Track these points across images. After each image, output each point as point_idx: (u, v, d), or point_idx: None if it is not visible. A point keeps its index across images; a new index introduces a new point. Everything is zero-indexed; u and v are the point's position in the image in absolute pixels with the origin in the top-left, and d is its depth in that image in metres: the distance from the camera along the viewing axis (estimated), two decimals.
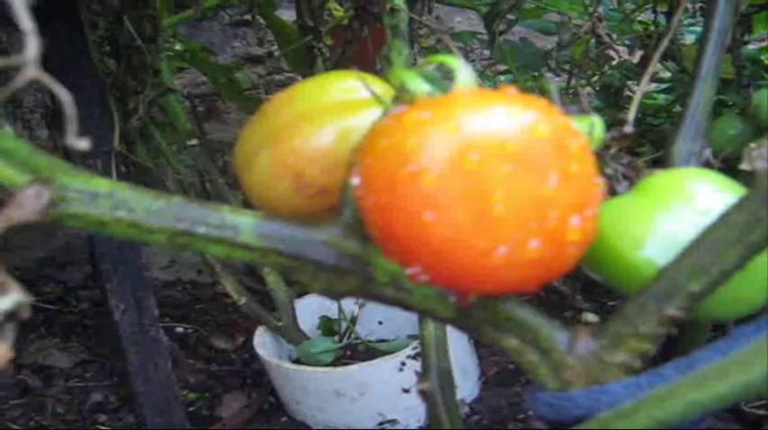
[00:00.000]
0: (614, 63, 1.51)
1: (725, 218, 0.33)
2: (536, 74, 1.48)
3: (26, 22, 0.25)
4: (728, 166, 0.45)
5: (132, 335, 1.30)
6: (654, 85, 1.65)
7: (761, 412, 1.30)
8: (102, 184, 0.35)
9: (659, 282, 0.35)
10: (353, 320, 1.57)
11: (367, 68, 0.42)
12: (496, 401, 1.46)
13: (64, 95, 0.25)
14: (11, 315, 0.31)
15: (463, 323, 0.37)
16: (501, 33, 1.31)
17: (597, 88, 1.59)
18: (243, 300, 1.48)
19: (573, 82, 1.42)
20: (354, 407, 1.40)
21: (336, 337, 1.57)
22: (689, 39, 1.50)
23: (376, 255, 0.36)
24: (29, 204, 0.34)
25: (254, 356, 1.52)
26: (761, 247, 0.33)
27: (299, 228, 0.36)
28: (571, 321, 0.38)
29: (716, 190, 0.40)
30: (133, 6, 1.30)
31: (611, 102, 1.53)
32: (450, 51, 1.10)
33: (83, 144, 0.26)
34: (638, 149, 1.51)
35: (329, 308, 1.58)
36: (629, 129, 0.41)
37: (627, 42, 1.42)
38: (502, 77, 1.74)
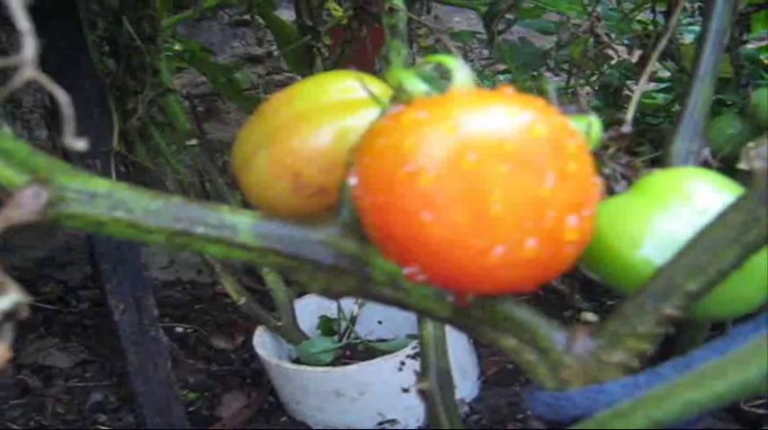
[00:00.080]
0: (613, 62, 1.51)
1: (722, 217, 0.34)
2: (535, 73, 1.48)
3: (23, 22, 0.25)
4: (727, 166, 0.45)
5: (132, 335, 1.30)
6: (653, 85, 1.65)
7: (760, 411, 1.30)
8: (100, 184, 0.35)
9: (657, 281, 0.35)
10: (353, 320, 1.57)
11: (366, 68, 0.42)
12: (496, 401, 1.46)
13: (61, 96, 0.25)
14: (9, 315, 0.31)
15: (461, 323, 0.37)
16: (500, 33, 1.30)
17: (596, 88, 1.59)
18: (242, 300, 1.48)
19: (572, 81, 1.42)
20: (354, 407, 1.40)
21: (336, 337, 1.57)
22: (688, 38, 1.50)
23: (374, 255, 0.36)
24: (27, 204, 0.34)
25: (254, 356, 1.52)
26: (758, 247, 0.33)
27: (296, 227, 0.36)
28: (570, 321, 0.38)
29: (714, 189, 0.40)
30: (132, 6, 1.30)
31: (609, 101, 1.53)
32: (448, 51, 1.10)
33: (80, 144, 0.26)
34: (637, 149, 1.51)
35: (329, 307, 1.58)
36: (626, 128, 0.41)
37: (626, 42, 1.42)
38: (501, 77, 1.74)
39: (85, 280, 1.95)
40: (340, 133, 0.39)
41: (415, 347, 1.35)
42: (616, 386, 0.35)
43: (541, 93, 0.38)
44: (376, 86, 0.40)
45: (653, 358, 0.37)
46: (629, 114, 0.61)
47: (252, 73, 2.76)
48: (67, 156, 1.20)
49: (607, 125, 0.43)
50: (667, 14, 1.18)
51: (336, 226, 0.36)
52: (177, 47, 1.73)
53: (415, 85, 0.33)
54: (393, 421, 1.41)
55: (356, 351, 1.55)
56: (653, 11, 1.33)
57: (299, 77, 1.61)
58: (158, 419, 1.35)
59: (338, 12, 1.64)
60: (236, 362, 1.69)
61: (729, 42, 1.11)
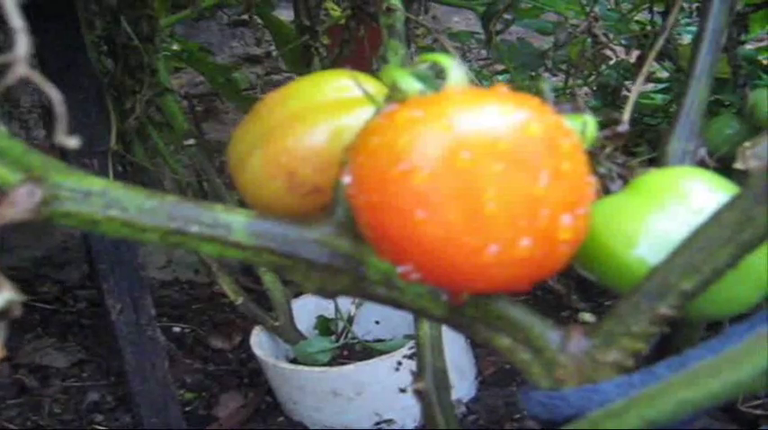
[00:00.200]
0: (611, 63, 1.51)
1: (717, 216, 0.33)
2: (533, 74, 1.48)
3: (16, 20, 0.24)
4: (725, 166, 0.45)
5: (129, 335, 1.30)
6: (651, 85, 1.65)
7: (758, 412, 1.30)
8: (94, 183, 0.35)
9: (651, 280, 0.35)
10: (350, 320, 1.57)
11: (364, 68, 0.42)
12: (493, 401, 1.46)
13: (54, 94, 0.25)
14: (2, 313, 0.31)
15: (456, 322, 0.37)
16: (498, 33, 1.30)
17: (594, 88, 1.59)
18: (239, 300, 1.48)
19: (570, 82, 1.42)
20: (351, 407, 1.40)
21: (333, 337, 1.57)
22: (686, 38, 1.50)
23: (368, 254, 0.36)
24: (21, 203, 0.34)
25: (251, 356, 1.52)
26: (753, 246, 0.33)
27: (291, 226, 0.36)
28: (568, 321, 0.38)
29: (709, 189, 0.40)
30: (130, 6, 1.30)
31: (607, 101, 1.53)
32: (446, 51, 1.10)
33: (73, 143, 0.26)
34: (635, 149, 1.51)
35: (326, 307, 1.58)
36: (622, 128, 0.41)
37: (623, 42, 1.42)
38: (500, 77, 1.74)
39: (83, 279, 1.95)
40: (335, 132, 0.39)
41: (411, 347, 1.35)
42: (610, 385, 0.35)
43: (538, 92, 0.38)
44: (371, 85, 0.39)
45: (649, 357, 0.37)
46: (626, 114, 0.61)
47: (250, 73, 2.76)
48: (65, 155, 1.20)
49: (605, 125, 0.43)
50: (665, 15, 1.18)
51: (331, 225, 0.36)
52: (175, 47, 1.72)
53: (410, 83, 0.33)
54: (390, 421, 1.41)
55: (353, 351, 1.55)
56: (651, 11, 1.33)
57: (299, 77, 1.61)
58: (155, 419, 1.35)
59: (336, 12, 1.64)
60: (233, 362, 1.69)
61: (727, 42, 1.11)
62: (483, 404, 1.47)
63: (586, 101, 1.63)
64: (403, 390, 1.38)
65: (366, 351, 1.53)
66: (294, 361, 1.52)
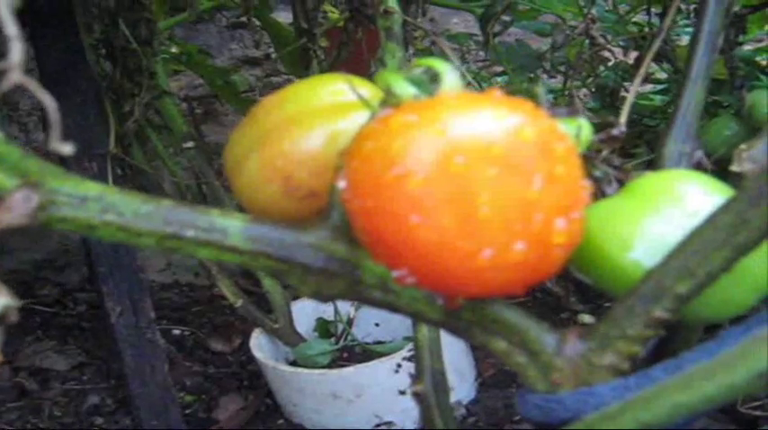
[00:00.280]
0: (610, 64, 1.51)
1: (712, 219, 0.34)
2: (531, 75, 1.48)
3: (11, 26, 0.25)
4: (723, 168, 0.45)
5: (129, 338, 1.31)
6: (650, 87, 1.65)
7: (757, 413, 1.30)
8: (91, 188, 0.35)
9: (646, 283, 0.35)
10: (350, 322, 1.57)
11: (362, 70, 0.43)
12: (493, 403, 1.46)
13: (48, 101, 0.25)
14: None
15: (451, 325, 0.37)
16: (496, 35, 1.31)
17: (593, 89, 1.59)
18: (239, 303, 1.48)
19: (568, 83, 1.42)
20: (351, 409, 1.40)
21: (333, 339, 1.57)
22: (685, 40, 1.50)
23: (364, 258, 0.36)
24: (17, 208, 0.34)
25: (251, 358, 1.52)
26: (748, 249, 0.33)
27: (287, 231, 0.36)
28: (567, 323, 0.38)
29: (705, 192, 0.40)
30: (128, 9, 1.30)
31: (606, 103, 1.53)
32: (444, 54, 1.10)
33: (67, 149, 0.26)
34: (634, 150, 1.52)
35: (325, 310, 1.58)
36: (616, 131, 0.41)
37: (621, 43, 1.42)
38: (498, 79, 1.74)
39: (83, 282, 1.95)
40: (331, 136, 0.39)
41: (411, 349, 1.35)
42: (606, 388, 0.35)
43: (533, 96, 0.38)
44: (367, 89, 0.40)
45: (646, 360, 0.37)
46: (623, 116, 0.61)
47: (250, 75, 2.76)
48: (64, 158, 1.20)
49: (603, 127, 0.43)
50: (663, 16, 1.18)
51: (326, 229, 0.36)
52: (174, 49, 1.73)
53: (404, 88, 0.33)
54: (390, 423, 1.41)
55: (353, 353, 1.55)
56: (648, 12, 1.34)
57: (297, 79, 1.61)
58: (155, 422, 1.35)
59: (334, 14, 1.64)
60: (233, 365, 1.69)
61: (724, 44, 1.11)
62: (483, 406, 1.47)
63: (585, 102, 1.64)
64: (403, 392, 1.38)
65: (366, 353, 1.53)
66: (294, 363, 1.52)
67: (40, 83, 1.13)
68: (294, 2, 1.40)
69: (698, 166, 0.52)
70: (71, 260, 2.02)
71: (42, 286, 1.95)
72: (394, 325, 1.56)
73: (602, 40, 1.14)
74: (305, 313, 1.56)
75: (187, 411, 1.54)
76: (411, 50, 1.29)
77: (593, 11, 1.16)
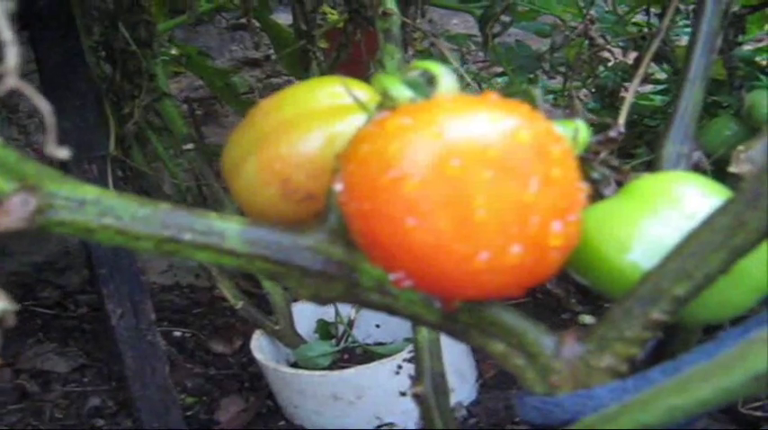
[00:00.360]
0: (609, 65, 1.51)
1: (709, 221, 0.33)
2: (531, 76, 1.48)
3: (5, 31, 0.25)
4: (722, 169, 0.45)
5: (129, 340, 1.31)
6: (650, 87, 1.65)
7: (758, 414, 1.30)
8: (89, 191, 0.35)
9: (644, 286, 0.35)
10: (350, 324, 1.57)
11: (361, 72, 0.42)
12: (494, 404, 1.46)
13: (44, 105, 0.25)
14: None
15: (449, 328, 0.37)
16: (495, 36, 1.31)
17: (593, 90, 1.59)
18: (240, 304, 1.48)
19: (568, 84, 1.42)
20: (351, 411, 1.40)
21: (333, 341, 1.57)
22: (684, 40, 1.50)
23: (361, 261, 0.36)
24: (15, 212, 0.34)
25: (252, 360, 1.52)
26: (745, 251, 0.33)
27: (285, 233, 0.36)
28: (569, 323, 0.38)
29: (703, 193, 0.40)
30: (128, 11, 1.30)
31: (606, 103, 1.53)
32: (443, 55, 1.10)
33: (63, 153, 0.26)
34: (634, 151, 1.51)
35: (326, 311, 1.58)
36: (614, 132, 0.41)
37: (621, 44, 1.42)
38: (499, 80, 1.74)
39: (84, 284, 1.95)
40: (328, 139, 0.39)
41: (412, 351, 1.35)
42: (604, 390, 0.35)
43: (531, 97, 0.38)
44: (365, 92, 0.40)
45: (646, 362, 0.37)
46: (622, 118, 0.61)
47: (250, 77, 2.76)
48: (64, 161, 1.20)
49: (603, 128, 0.43)
50: (662, 17, 1.18)
51: (324, 232, 0.36)
52: (174, 51, 1.73)
53: (400, 91, 0.33)
54: (391, 424, 1.41)
55: (354, 354, 1.55)
56: (648, 13, 1.33)
57: (297, 81, 1.61)
58: (156, 424, 1.35)
59: (334, 16, 1.64)
60: (234, 367, 1.68)
61: (723, 44, 1.11)
62: (483, 407, 1.47)
63: (585, 103, 1.63)
64: (403, 394, 1.38)
65: (367, 354, 1.53)
66: (295, 365, 1.52)
67: (40, 85, 1.13)
68: (293, 3, 1.40)
69: (696, 167, 0.52)
70: (72, 262, 2.02)
71: (43, 288, 1.95)
72: (394, 326, 1.56)
73: (601, 41, 1.14)
74: (305, 315, 1.56)
75: (188, 413, 1.54)
76: (410, 52, 1.29)
77: (593, 11, 1.16)
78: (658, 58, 1.26)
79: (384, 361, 1.39)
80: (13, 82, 0.25)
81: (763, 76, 1.35)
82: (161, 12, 1.59)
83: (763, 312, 0.36)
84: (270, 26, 1.70)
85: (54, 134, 0.26)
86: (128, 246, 0.36)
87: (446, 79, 0.33)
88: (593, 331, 0.36)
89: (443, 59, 1.11)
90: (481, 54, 1.74)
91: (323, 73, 1.40)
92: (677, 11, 1.10)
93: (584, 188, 0.33)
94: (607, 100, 1.52)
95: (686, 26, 1.50)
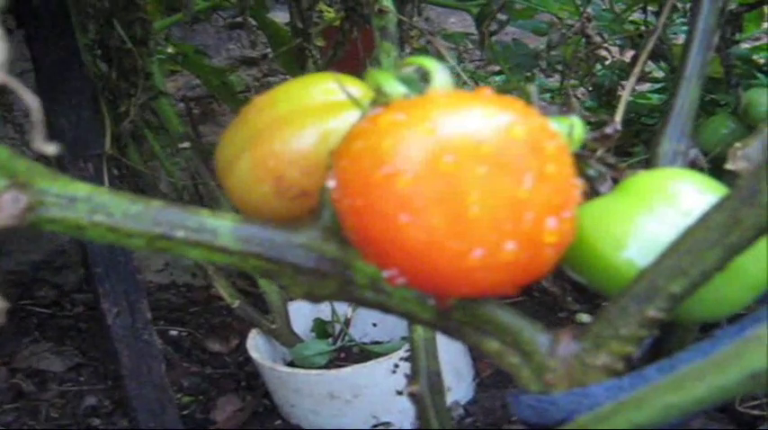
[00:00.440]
0: (607, 63, 1.51)
1: (705, 219, 0.33)
2: (528, 74, 1.47)
3: None
4: (719, 166, 0.45)
5: (125, 339, 1.30)
6: (648, 86, 1.65)
7: (755, 412, 1.30)
8: (80, 188, 0.35)
9: (639, 283, 0.34)
10: (347, 322, 1.57)
11: (357, 70, 0.42)
12: (491, 403, 1.46)
13: (31, 100, 0.25)
14: None
15: (444, 326, 0.37)
16: (492, 34, 1.30)
17: (590, 88, 1.59)
18: (236, 303, 1.48)
19: (565, 82, 1.42)
20: (348, 410, 1.40)
21: (330, 340, 1.56)
22: (682, 38, 1.50)
23: (355, 258, 0.35)
24: (6, 209, 0.34)
25: (249, 359, 1.52)
26: (741, 248, 0.33)
27: (277, 231, 0.36)
28: (566, 322, 0.38)
29: (699, 190, 0.39)
30: (123, 9, 1.30)
31: (603, 102, 1.53)
32: (439, 53, 1.10)
33: (52, 149, 0.26)
34: (632, 149, 1.51)
35: (323, 310, 1.58)
36: (610, 129, 0.41)
37: (618, 42, 1.42)
38: (496, 78, 1.74)
39: (80, 283, 1.95)
40: (322, 135, 0.39)
41: (408, 350, 1.35)
42: (600, 389, 0.35)
43: (526, 94, 0.38)
44: (359, 89, 0.39)
45: (643, 360, 0.37)
46: (618, 115, 0.61)
47: (247, 75, 2.75)
48: (60, 159, 1.20)
49: (600, 125, 0.43)
50: (659, 15, 1.18)
51: (317, 229, 0.36)
52: (170, 49, 1.72)
53: (394, 87, 0.32)
54: (387, 424, 1.41)
55: (351, 353, 1.55)
56: (645, 11, 1.33)
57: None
58: (152, 423, 1.35)
59: (330, 14, 1.64)
60: (230, 366, 1.68)
61: (720, 42, 1.11)
62: (480, 406, 1.47)
63: (582, 101, 1.63)
64: (400, 393, 1.38)
65: (363, 353, 1.52)
66: (291, 364, 1.52)
67: (36, 84, 1.12)
68: (290, 1, 1.40)
69: (693, 165, 0.51)
70: (68, 261, 2.01)
71: (39, 287, 1.95)
72: (391, 325, 1.56)
73: (598, 39, 1.13)
74: (302, 313, 1.56)
75: (184, 412, 1.54)
76: (408, 50, 1.29)
77: (589, 9, 1.16)
78: (656, 57, 1.26)
79: (381, 360, 1.38)
80: (0, 77, 0.25)
81: (760, 75, 1.34)
82: (157, 10, 1.58)
83: (759, 310, 0.36)
84: (267, 24, 1.69)
85: (42, 130, 0.26)
86: (119, 244, 0.36)
87: (440, 75, 0.33)
88: (589, 329, 0.36)
89: (440, 57, 1.11)
90: (478, 52, 1.74)
91: (319, 71, 1.39)
92: (674, 9, 1.09)
93: (579, 184, 0.33)
94: (604, 98, 1.52)
95: (684, 24, 1.49)
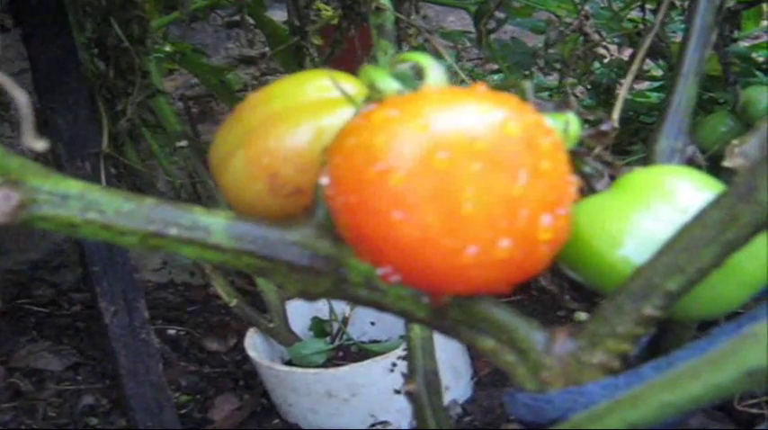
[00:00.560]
0: (605, 61, 1.51)
1: (701, 216, 0.33)
2: (526, 72, 1.47)
3: None
4: (717, 164, 0.45)
5: (123, 338, 1.30)
6: (647, 84, 1.65)
7: (754, 410, 1.30)
8: (72, 186, 0.35)
9: (636, 281, 0.34)
10: (345, 321, 1.57)
11: (355, 68, 0.42)
12: (489, 402, 1.46)
13: (19, 96, 0.25)
14: None
15: (439, 324, 0.37)
16: (490, 32, 1.30)
17: (589, 86, 1.59)
18: (234, 302, 1.48)
19: (564, 80, 1.42)
20: (346, 409, 1.40)
21: (328, 338, 1.56)
22: (681, 36, 1.49)
23: (349, 256, 0.35)
24: None
25: (247, 358, 1.52)
26: (737, 246, 0.32)
27: (271, 228, 0.36)
28: (564, 321, 0.38)
29: (695, 187, 0.39)
30: (121, 8, 1.29)
31: (601, 100, 1.52)
32: (437, 51, 1.09)
33: (41, 145, 0.26)
34: (630, 148, 1.51)
35: (321, 309, 1.58)
36: (606, 126, 0.40)
37: (616, 40, 1.42)
38: (495, 77, 1.73)
39: (78, 282, 1.95)
40: (317, 132, 0.39)
41: (406, 348, 1.35)
42: (596, 387, 0.35)
43: (521, 90, 0.38)
44: (354, 85, 0.39)
45: (640, 358, 0.37)
46: (616, 113, 0.61)
47: (246, 74, 2.75)
48: (57, 158, 1.20)
49: (598, 123, 0.43)
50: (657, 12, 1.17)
51: (311, 226, 0.36)
52: (168, 48, 1.72)
53: (387, 83, 0.32)
54: (385, 423, 1.40)
55: (349, 352, 1.55)
56: (643, 9, 1.33)
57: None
58: (150, 422, 1.35)
59: (328, 12, 1.64)
60: (228, 365, 1.68)
61: (717, 40, 1.10)
62: (479, 405, 1.46)
63: (581, 100, 1.63)
64: (398, 392, 1.37)
65: (361, 352, 1.52)
66: (289, 363, 1.51)
67: (33, 82, 1.12)
68: (287, 0, 1.40)
69: (690, 162, 0.51)
70: (66, 260, 2.01)
71: (37, 286, 1.95)
72: (389, 323, 1.55)
73: (596, 37, 1.13)
74: (300, 312, 1.56)
75: (182, 411, 1.53)
76: (405, 48, 1.29)
77: (587, 7, 1.16)
78: (654, 55, 1.26)
79: (378, 358, 1.38)
80: None
81: (759, 73, 1.34)
82: (156, 9, 1.58)
83: (757, 308, 0.35)
84: (264, 23, 1.69)
85: (32, 126, 0.25)
86: (113, 242, 0.35)
87: (434, 71, 0.32)
88: (585, 327, 0.36)
89: (438, 56, 1.11)
90: (477, 51, 1.74)
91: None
92: (673, 6, 1.09)
93: (574, 181, 0.33)
94: (602, 96, 1.52)
95: (683, 22, 1.49)
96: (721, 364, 0.28)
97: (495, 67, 1.65)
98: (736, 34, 1.23)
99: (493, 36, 1.37)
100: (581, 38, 1.20)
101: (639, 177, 0.40)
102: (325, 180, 0.33)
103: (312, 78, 0.42)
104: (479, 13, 1.28)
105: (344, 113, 0.36)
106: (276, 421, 1.50)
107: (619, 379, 0.35)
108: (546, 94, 1.58)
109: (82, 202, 0.34)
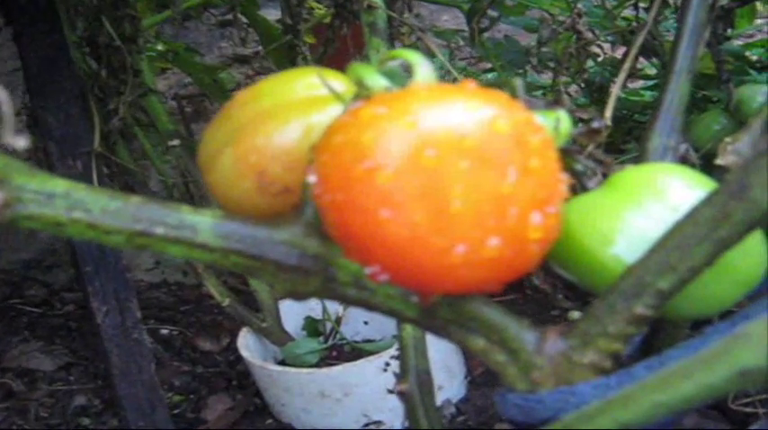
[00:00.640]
0: (599, 59, 1.50)
1: (693, 214, 0.33)
2: (520, 71, 1.47)
3: None
4: (711, 163, 0.45)
5: (115, 338, 1.29)
6: (641, 83, 1.64)
7: (748, 409, 1.30)
8: (58, 185, 0.34)
9: (627, 280, 0.34)
10: (338, 321, 1.56)
11: (347, 67, 0.42)
12: (483, 401, 1.46)
13: (0, 94, 0.24)
14: None
15: (428, 323, 0.36)
16: (483, 31, 1.30)
17: (582, 85, 1.59)
18: (227, 301, 1.47)
19: (557, 79, 1.42)
20: (339, 408, 1.39)
21: (321, 338, 1.56)
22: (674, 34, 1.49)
23: (338, 255, 0.35)
24: None
25: (240, 358, 1.51)
26: (730, 244, 0.32)
27: (259, 227, 0.35)
28: (558, 320, 0.37)
29: (687, 185, 0.39)
30: (112, 6, 1.29)
31: (594, 98, 1.52)
32: (430, 49, 1.09)
33: (21, 143, 0.26)
34: (624, 147, 1.51)
35: (314, 308, 1.57)
36: (597, 124, 0.40)
37: (609, 39, 1.41)
38: (488, 75, 1.73)
39: (70, 282, 1.94)
40: (305, 130, 0.38)
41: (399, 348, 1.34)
42: (587, 387, 0.34)
43: (512, 88, 0.37)
44: (341, 83, 0.39)
45: (633, 357, 0.37)
46: (608, 111, 0.60)
47: (239, 73, 2.74)
48: (49, 157, 1.19)
49: (590, 121, 0.42)
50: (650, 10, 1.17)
51: (300, 225, 0.35)
52: (160, 47, 1.71)
53: (375, 80, 0.32)
54: (378, 422, 1.40)
55: (342, 352, 1.54)
56: (636, 7, 1.33)
57: None
58: (142, 422, 1.34)
59: (321, 10, 1.63)
60: (221, 364, 1.68)
61: (711, 38, 1.10)
62: (472, 404, 1.46)
63: (575, 98, 1.63)
64: (391, 391, 1.37)
65: (355, 352, 1.52)
66: (282, 362, 1.51)
67: (24, 81, 1.12)
68: None
69: (683, 160, 0.51)
70: (59, 260, 2.01)
71: (30, 286, 1.94)
72: (383, 323, 1.55)
73: (589, 35, 1.13)
74: (293, 312, 1.56)
75: (175, 411, 1.53)
76: (398, 46, 1.28)
77: (580, 5, 1.15)
78: (648, 53, 1.26)
79: (371, 358, 1.38)
80: None
81: (752, 71, 1.34)
82: (148, 7, 1.57)
83: (750, 306, 0.35)
84: (257, 22, 1.68)
85: (12, 123, 0.25)
86: (99, 241, 0.35)
87: (423, 68, 0.32)
88: (576, 326, 0.35)
89: (431, 54, 1.11)
90: (470, 50, 1.74)
91: None
92: (666, 4, 1.09)
93: (564, 179, 0.32)
94: (596, 95, 1.52)
95: (676, 20, 1.48)
96: (714, 364, 0.28)
97: (489, 65, 1.65)
98: (729, 32, 1.23)
99: (486, 34, 1.36)
100: (574, 36, 1.20)
101: (631, 175, 0.40)
102: (312, 178, 0.32)
103: (301, 76, 0.42)
104: (472, 12, 1.27)
105: (333, 111, 0.36)
106: (269, 421, 1.50)
107: (610, 378, 0.34)
108: (539, 92, 1.58)
109: (67, 201, 0.34)
